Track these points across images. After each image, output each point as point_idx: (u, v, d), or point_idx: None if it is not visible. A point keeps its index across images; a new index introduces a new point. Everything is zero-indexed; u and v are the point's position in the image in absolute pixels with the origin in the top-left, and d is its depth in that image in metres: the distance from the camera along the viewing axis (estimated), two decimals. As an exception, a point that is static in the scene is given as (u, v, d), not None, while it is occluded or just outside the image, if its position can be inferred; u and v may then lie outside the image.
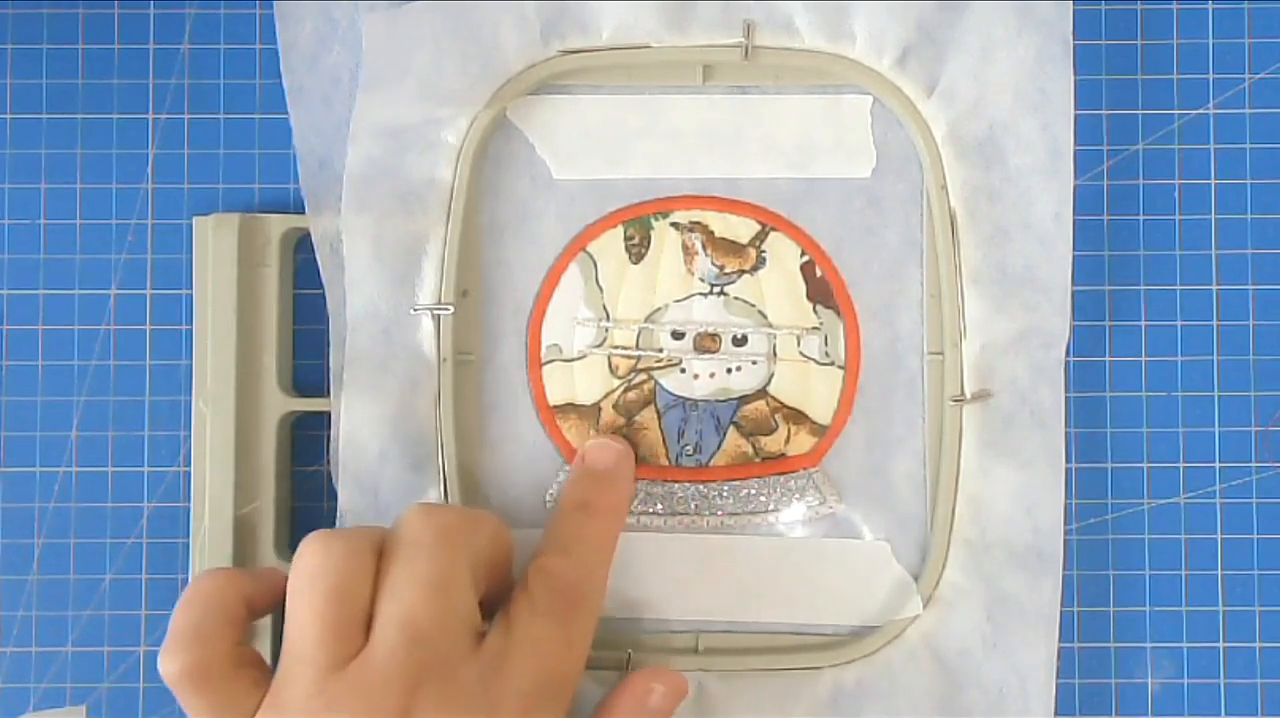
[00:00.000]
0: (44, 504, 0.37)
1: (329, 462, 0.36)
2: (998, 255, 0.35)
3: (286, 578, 0.31)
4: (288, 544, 0.37)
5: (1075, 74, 0.35)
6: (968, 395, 0.35)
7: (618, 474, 0.35)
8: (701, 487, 0.36)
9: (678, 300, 0.37)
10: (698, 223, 0.37)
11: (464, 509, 0.33)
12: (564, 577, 0.32)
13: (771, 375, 0.37)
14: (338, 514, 0.35)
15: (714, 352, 0.37)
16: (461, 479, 0.36)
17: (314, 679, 0.29)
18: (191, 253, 0.37)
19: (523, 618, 0.31)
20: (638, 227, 0.37)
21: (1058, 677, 0.35)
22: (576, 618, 0.32)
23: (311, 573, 0.30)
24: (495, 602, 0.32)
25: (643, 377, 0.37)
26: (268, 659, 0.33)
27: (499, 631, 0.31)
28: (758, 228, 0.37)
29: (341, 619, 0.30)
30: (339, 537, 0.31)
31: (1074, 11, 0.35)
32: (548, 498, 0.36)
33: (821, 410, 0.36)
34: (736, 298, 0.37)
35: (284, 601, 0.31)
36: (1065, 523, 0.35)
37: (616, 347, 0.37)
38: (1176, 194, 0.37)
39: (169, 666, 0.30)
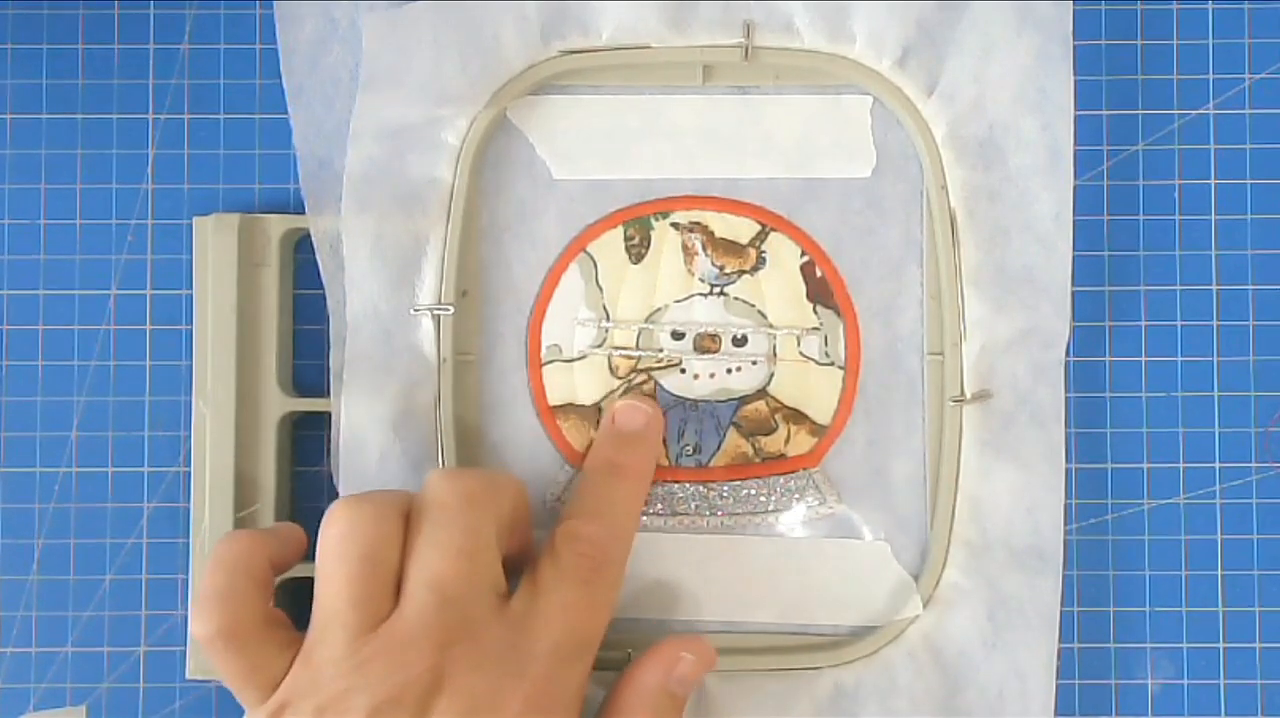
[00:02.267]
0: (44, 504, 0.37)
1: (329, 462, 0.36)
2: (998, 255, 0.35)
3: (304, 535, 0.33)
4: (288, 544, 0.37)
5: (1075, 74, 0.35)
6: (968, 396, 0.35)
7: (647, 436, 0.36)
8: (701, 487, 0.36)
9: (678, 301, 0.37)
10: (698, 223, 0.37)
11: (486, 473, 0.34)
12: (591, 540, 0.32)
13: (771, 376, 0.37)
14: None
15: (714, 352, 0.37)
16: (461, 479, 0.36)
17: (346, 641, 0.30)
18: (191, 253, 0.37)
19: (549, 581, 0.32)
20: (638, 227, 0.37)
21: (1058, 677, 0.35)
22: (601, 580, 0.32)
23: (341, 538, 0.31)
24: (516, 559, 0.33)
25: (643, 377, 0.37)
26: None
27: (525, 592, 0.32)
28: (758, 228, 0.37)
29: (372, 583, 0.30)
30: (367, 501, 0.31)
31: (1074, 11, 0.35)
32: (548, 498, 0.36)
33: (821, 411, 0.36)
34: (736, 298, 0.37)
35: (301, 557, 0.33)
36: (1065, 523, 0.35)
37: (617, 347, 0.37)
38: (1176, 194, 0.37)
39: (202, 627, 0.30)
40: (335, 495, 0.36)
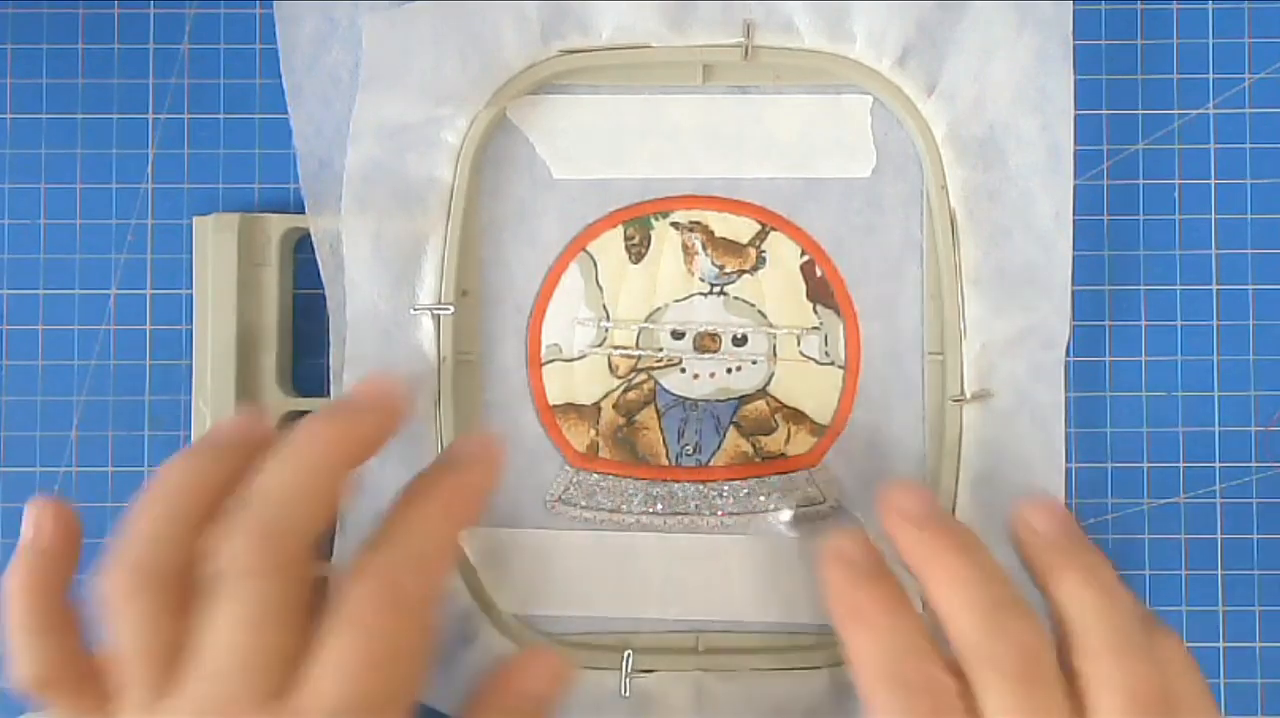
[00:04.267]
0: (44, 504, 0.37)
1: (329, 462, 0.36)
2: (998, 255, 0.35)
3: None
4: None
5: (1075, 74, 0.35)
6: (968, 395, 0.35)
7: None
8: (701, 487, 0.36)
9: (678, 300, 0.37)
10: (698, 223, 0.37)
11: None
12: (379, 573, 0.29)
13: (771, 375, 0.37)
14: (338, 515, 0.35)
15: (714, 351, 0.37)
16: (461, 479, 0.36)
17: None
18: (191, 253, 0.37)
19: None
20: (638, 226, 0.37)
21: (1058, 677, 0.35)
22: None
23: None
24: None
25: (643, 377, 0.37)
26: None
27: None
28: (758, 228, 0.37)
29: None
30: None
31: (1074, 11, 0.35)
32: (547, 498, 0.36)
33: (821, 410, 0.36)
34: (736, 298, 0.37)
35: None
36: (1065, 523, 0.35)
37: (617, 347, 0.37)
38: (1176, 194, 0.37)
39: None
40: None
